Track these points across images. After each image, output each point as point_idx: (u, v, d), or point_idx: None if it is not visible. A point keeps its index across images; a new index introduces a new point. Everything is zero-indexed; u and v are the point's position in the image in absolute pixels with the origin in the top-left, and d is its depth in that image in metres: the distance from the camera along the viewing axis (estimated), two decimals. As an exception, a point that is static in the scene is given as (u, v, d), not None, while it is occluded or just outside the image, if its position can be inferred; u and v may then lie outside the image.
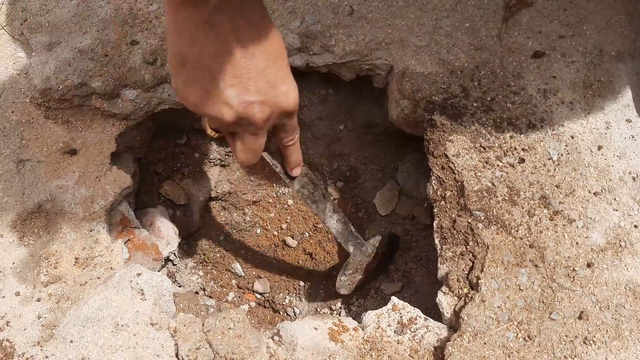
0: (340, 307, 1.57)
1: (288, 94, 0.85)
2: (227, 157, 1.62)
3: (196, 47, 0.77)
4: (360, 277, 1.41)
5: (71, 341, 1.03)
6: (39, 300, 1.10)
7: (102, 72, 1.27)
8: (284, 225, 1.70)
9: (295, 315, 1.61)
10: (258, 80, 0.80)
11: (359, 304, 1.53)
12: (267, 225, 1.71)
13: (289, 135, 0.96)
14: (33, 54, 1.29)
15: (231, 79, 0.79)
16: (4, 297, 1.10)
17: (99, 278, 1.12)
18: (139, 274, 1.10)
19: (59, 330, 1.05)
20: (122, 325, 1.04)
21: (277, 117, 0.88)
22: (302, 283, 1.65)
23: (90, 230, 1.18)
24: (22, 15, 1.33)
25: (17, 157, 1.23)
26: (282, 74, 0.84)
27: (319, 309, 1.59)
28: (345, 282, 1.39)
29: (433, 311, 1.15)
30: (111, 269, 1.14)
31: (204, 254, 1.70)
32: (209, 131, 0.92)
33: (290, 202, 1.70)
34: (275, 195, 1.71)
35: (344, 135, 1.62)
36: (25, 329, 1.06)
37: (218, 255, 1.70)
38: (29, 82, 1.27)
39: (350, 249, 1.30)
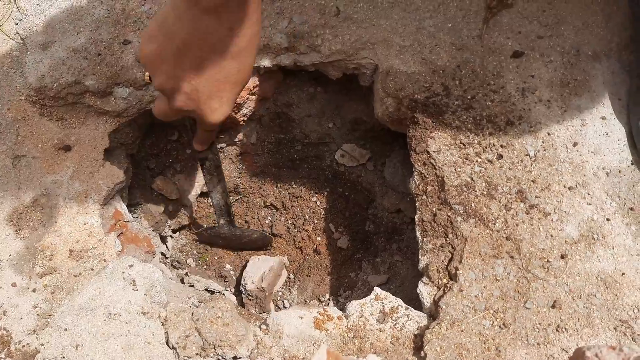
0: (329, 299, 1.62)
1: (216, 112, 0.94)
2: (219, 153, 1.66)
3: (179, 24, 0.84)
4: (221, 242, 1.68)
5: (66, 329, 1.07)
6: (34, 290, 1.14)
7: (96, 70, 1.30)
8: (274, 220, 1.74)
9: (285, 307, 1.65)
10: (205, 82, 0.89)
11: (347, 296, 1.58)
12: (257, 219, 1.76)
13: (205, 128, 1.04)
14: (28, 53, 1.33)
15: (186, 62, 0.87)
16: (0, 288, 1.14)
17: (92, 269, 1.17)
18: (131, 266, 1.15)
19: (54, 320, 1.09)
20: (114, 315, 1.08)
21: (197, 117, 0.96)
22: (291, 276, 1.70)
23: (84, 224, 1.22)
24: (17, 15, 1.37)
25: (13, 153, 1.27)
26: (228, 94, 0.92)
27: (308, 301, 1.64)
28: (202, 234, 1.65)
29: (417, 302, 1.19)
30: (104, 260, 1.18)
31: (200, 254, 1.74)
32: (146, 76, 1.00)
33: (278, 199, 1.74)
34: (265, 193, 1.75)
35: (332, 132, 1.67)
36: (21, 319, 1.10)
37: (211, 252, 1.75)
38: (24, 81, 1.31)
39: (221, 222, 1.52)
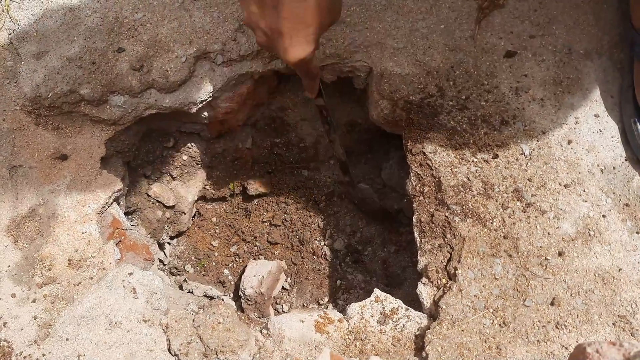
0: (328, 302, 1.62)
1: (288, 51, 0.94)
2: (214, 159, 1.66)
3: None
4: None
5: (67, 339, 1.07)
6: (34, 301, 1.14)
7: (90, 79, 1.30)
8: (270, 226, 1.75)
9: (284, 311, 1.65)
10: (278, 20, 0.90)
11: (345, 298, 1.59)
12: (252, 228, 1.76)
13: (300, 72, 1.06)
14: (22, 62, 1.33)
15: (267, 0, 0.89)
16: (0, 299, 1.14)
17: (92, 278, 1.17)
18: (131, 274, 1.14)
19: (55, 329, 1.09)
20: (115, 323, 1.08)
21: (276, 54, 1.00)
22: (290, 279, 1.70)
23: (83, 233, 1.22)
24: (10, 25, 1.37)
25: (10, 163, 1.26)
26: (301, 34, 0.93)
27: (306, 304, 1.64)
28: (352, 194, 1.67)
29: (417, 303, 1.20)
30: (104, 269, 1.18)
31: (199, 259, 1.74)
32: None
33: (275, 203, 1.74)
34: (263, 197, 1.75)
35: (327, 135, 1.67)
36: (22, 329, 1.10)
37: (209, 258, 1.75)
38: (19, 91, 1.31)
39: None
